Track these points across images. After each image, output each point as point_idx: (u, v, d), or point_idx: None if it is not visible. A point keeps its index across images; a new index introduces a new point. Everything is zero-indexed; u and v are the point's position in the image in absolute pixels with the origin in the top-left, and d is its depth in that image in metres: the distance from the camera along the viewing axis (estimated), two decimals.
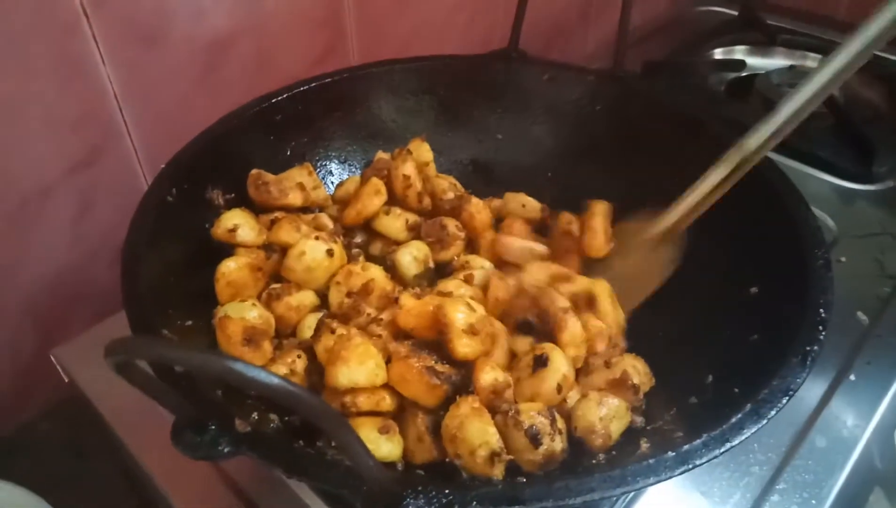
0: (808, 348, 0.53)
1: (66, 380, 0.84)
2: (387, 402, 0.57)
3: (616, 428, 0.58)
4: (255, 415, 0.54)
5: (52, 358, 0.85)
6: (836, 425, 0.79)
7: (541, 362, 0.59)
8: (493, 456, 0.51)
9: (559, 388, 0.58)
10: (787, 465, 0.75)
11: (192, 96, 0.94)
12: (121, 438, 0.77)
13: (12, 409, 0.94)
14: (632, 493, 0.71)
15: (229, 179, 0.80)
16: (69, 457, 0.90)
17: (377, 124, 0.90)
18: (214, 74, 0.95)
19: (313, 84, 0.87)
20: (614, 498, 0.69)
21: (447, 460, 0.55)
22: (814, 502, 0.72)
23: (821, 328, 0.54)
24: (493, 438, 0.52)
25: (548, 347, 0.62)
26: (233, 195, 0.80)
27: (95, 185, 0.90)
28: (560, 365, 0.59)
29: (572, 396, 0.61)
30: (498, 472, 0.52)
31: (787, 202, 0.67)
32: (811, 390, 0.82)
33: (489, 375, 0.59)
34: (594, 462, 0.56)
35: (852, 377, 0.84)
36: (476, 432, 0.53)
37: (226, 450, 0.45)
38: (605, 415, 0.58)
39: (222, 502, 0.70)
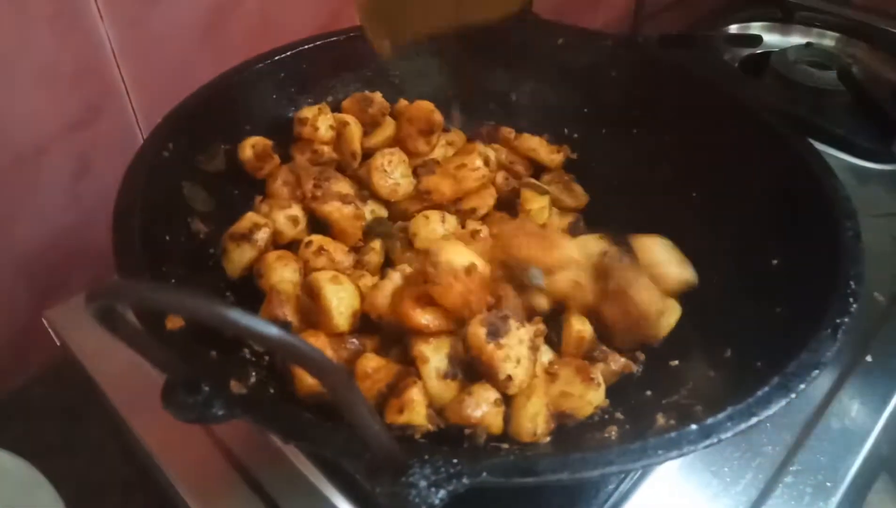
0: (838, 320, 0.50)
1: (58, 343, 0.82)
2: None
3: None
4: (252, 378, 0.51)
5: (44, 321, 0.82)
6: (851, 406, 0.77)
7: None
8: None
9: None
10: (801, 446, 0.73)
11: (192, 57, 0.91)
12: (113, 403, 0.74)
13: (6, 373, 0.92)
14: (640, 471, 0.69)
15: (228, 135, 0.77)
16: (62, 422, 0.88)
17: (384, 86, 0.87)
18: (216, 35, 0.92)
19: (318, 42, 0.84)
20: (622, 476, 0.67)
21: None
22: (829, 484, 0.70)
23: (852, 300, 0.51)
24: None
25: None
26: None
27: (92, 145, 0.87)
28: None
29: None
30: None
31: (815, 172, 0.64)
32: (827, 370, 0.80)
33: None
34: (605, 436, 0.53)
35: (869, 358, 0.82)
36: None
37: (219, 413, 0.42)
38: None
39: (216, 469, 0.68)
